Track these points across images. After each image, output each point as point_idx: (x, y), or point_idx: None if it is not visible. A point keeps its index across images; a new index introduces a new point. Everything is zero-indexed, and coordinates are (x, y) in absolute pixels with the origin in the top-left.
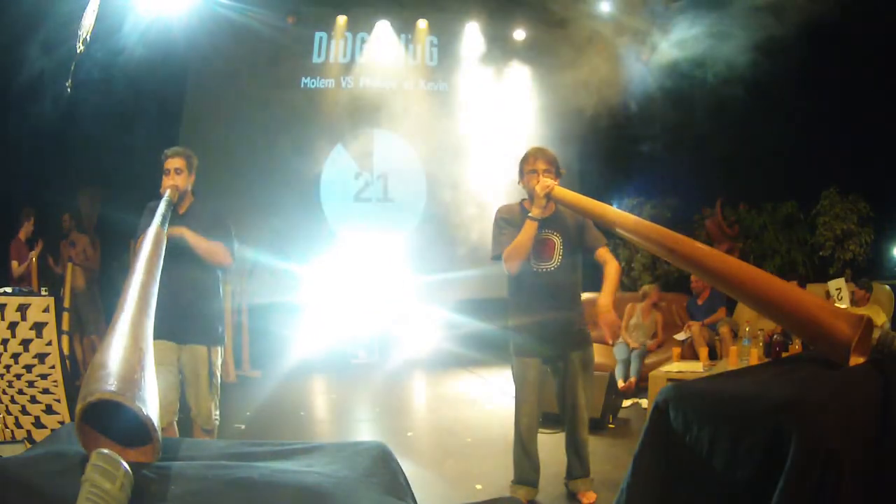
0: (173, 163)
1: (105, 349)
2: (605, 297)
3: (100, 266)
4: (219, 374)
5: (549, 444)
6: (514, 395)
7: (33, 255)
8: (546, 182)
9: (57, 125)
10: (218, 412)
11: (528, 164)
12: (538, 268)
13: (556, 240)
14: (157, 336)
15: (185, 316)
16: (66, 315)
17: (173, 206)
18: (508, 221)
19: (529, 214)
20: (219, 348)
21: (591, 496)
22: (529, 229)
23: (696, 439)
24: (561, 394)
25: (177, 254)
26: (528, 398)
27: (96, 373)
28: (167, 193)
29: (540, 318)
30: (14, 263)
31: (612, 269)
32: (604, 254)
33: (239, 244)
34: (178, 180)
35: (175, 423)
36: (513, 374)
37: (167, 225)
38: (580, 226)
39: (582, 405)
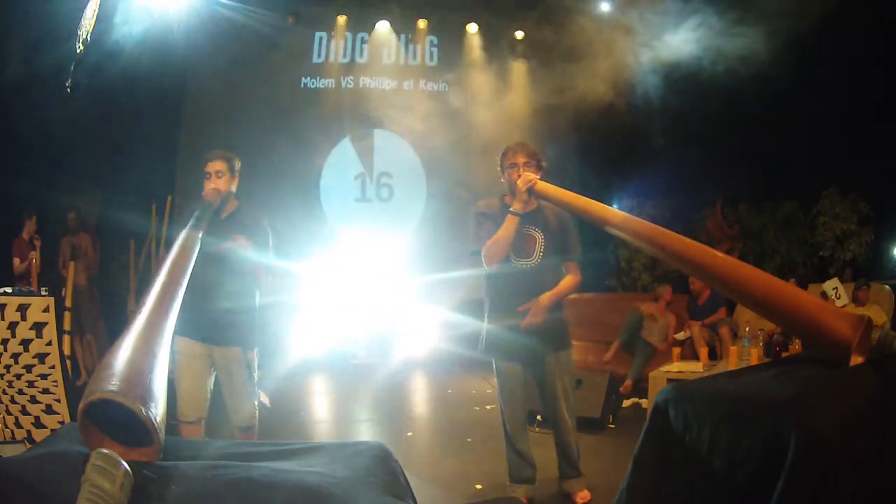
0: (214, 166)
1: (115, 349)
2: (546, 297)
3: (99, 266)
4: (255, 375)
5: (546, 445)
6: (498, 398)
7: (34, 255)
8: (528, 176)
9: (57, 125)
10: (257, 411)
11: (508, 158)
12: (518, 263)
13: (538, 236)
14: (190, 336)
15: (219, 319)
16: (67, 315)
17: (215, 211)
18: (487, 216)
19: (511, 209)
20: (254, 350)
21: (586, 495)
22: (510, 224)
23: (696, 439)
24: (542, 396)
25: (211, 257)
26: (511, 402)
27: (102, 372)
28: (207, 197)
29: (516, 314)
30: (16, 261)
31: (568, 280)
32: (572, 268)
33: (276, 253)
34: (219, 184)
35: (202, 423)
36: (496, 375)
37: (201, 230)
38: (563, 227)
39: (563, 407)
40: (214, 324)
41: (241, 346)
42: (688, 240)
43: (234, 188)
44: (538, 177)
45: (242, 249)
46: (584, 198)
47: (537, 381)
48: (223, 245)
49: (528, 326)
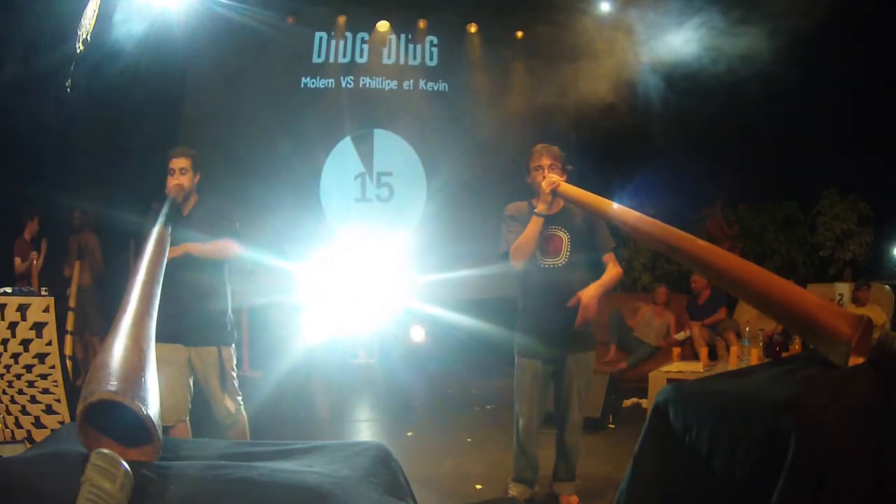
0: (178, 163)
1: (106, 350)
2: (592, 289)
3: (102, 266)
4: (233, 372)
5: (548, 445)
6: (514, 394)
7: (35, 256)
8: (552, 178)
9: (57, 125)
10: (241, 408)
11: (534, 161)
12: (545, 264)
13: (564, 236)
14: (164, 339)
15: (192, 317)
16: (70, 314)
17: (178, 207)
18: (516, 219)
19: (535, 210)
20: (230, 347)
21: (574, 500)
22: (534, 225)
23: (696, 439)
24: (556, 396)
25: (180, 256)
26: (527, 399)
27: (97, 373)
28: (171, 194)
29: (544, 314)
30: (17, 260)
31: (611, 272)
32: (608, 259)
33: (244, 236)
34: (182, 180)
35: (188, 423)
36: (516, 372)
37: (171, 226)
38: (591, 225)
39: (574, 409)
40: (188, 324)
41: (216, 344)
42: (698, 240)
43: (195, 185)
44: (563, 179)
45: (199, 252)
46: (604, 199)
47: (555, 380)
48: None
49: (581, 323)
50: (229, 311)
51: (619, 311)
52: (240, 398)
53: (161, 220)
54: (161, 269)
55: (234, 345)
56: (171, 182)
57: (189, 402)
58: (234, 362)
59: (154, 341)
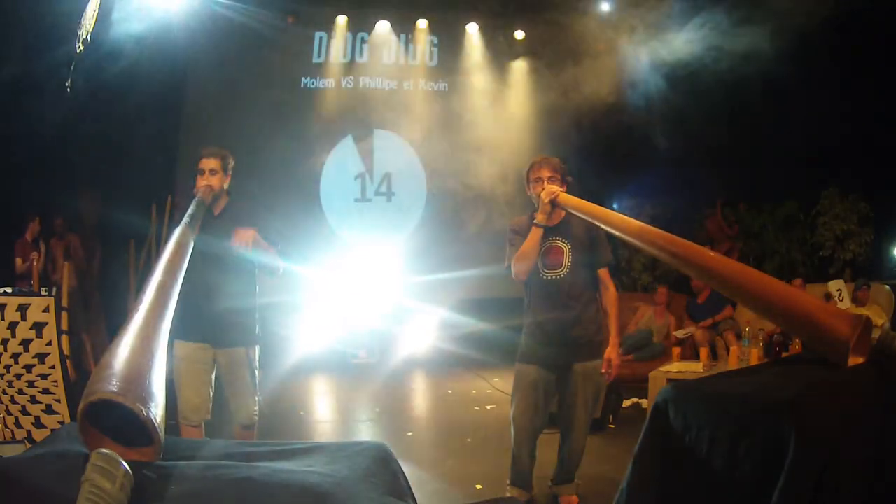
0: (208, 163)
1: (113, 349)
2: (613, 348)
3: (97, 266)
4: (257, 373)
5: (551, 446)
6: (511, 400)
7: (35, 256)
8: (551, 188)
9: (57, 125)
10: (258, 408)
11: (534, 173)
12: (546, 275)
13: (565, 247)
14: (192, 339)
15: (221, 319)
16: (65, 314)
17: (208, 207)
18: (518, 232)
19: (534, 221)
20: (256, 347)
21: (573, 500)
22: (534, 235)
23: (696, 439)
24: (561, 402)
25: (210, 257)
26: (521, 405)
27: (101, 372)
28: (199, 194)
29: (545, 324)
30: (18, 261)
31: (610, 299)
32: (603, 275)
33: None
34: (212, 181)
35: (203, 425)
36: (514, 379)
37: (196, 227)
38: (592, 237)
39: (580, 418)
40: (217, 325)
41: (244, 345)
42: (699, 247)
43: (226, 186)
44: (562, 189)
45: (244, 251)
46: (604, 209)
47: (560, 389)
48: (225, 245)
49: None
50: (257, 312)
51: (649, 331)
52: (258, 398)
53: (185, 220)
54: (181, 271)
55: (258, 345)
56: (201, 182)
57: (211, 401)
58: (258, 361)
59: (166, 342)
